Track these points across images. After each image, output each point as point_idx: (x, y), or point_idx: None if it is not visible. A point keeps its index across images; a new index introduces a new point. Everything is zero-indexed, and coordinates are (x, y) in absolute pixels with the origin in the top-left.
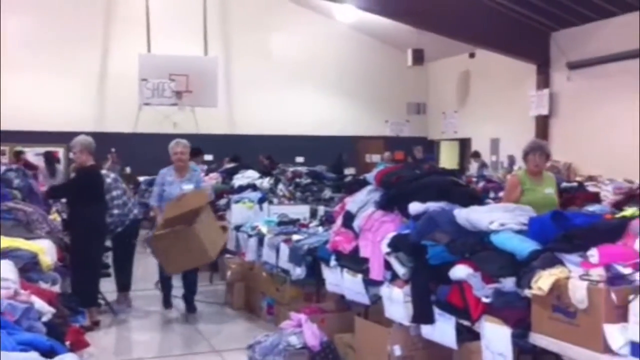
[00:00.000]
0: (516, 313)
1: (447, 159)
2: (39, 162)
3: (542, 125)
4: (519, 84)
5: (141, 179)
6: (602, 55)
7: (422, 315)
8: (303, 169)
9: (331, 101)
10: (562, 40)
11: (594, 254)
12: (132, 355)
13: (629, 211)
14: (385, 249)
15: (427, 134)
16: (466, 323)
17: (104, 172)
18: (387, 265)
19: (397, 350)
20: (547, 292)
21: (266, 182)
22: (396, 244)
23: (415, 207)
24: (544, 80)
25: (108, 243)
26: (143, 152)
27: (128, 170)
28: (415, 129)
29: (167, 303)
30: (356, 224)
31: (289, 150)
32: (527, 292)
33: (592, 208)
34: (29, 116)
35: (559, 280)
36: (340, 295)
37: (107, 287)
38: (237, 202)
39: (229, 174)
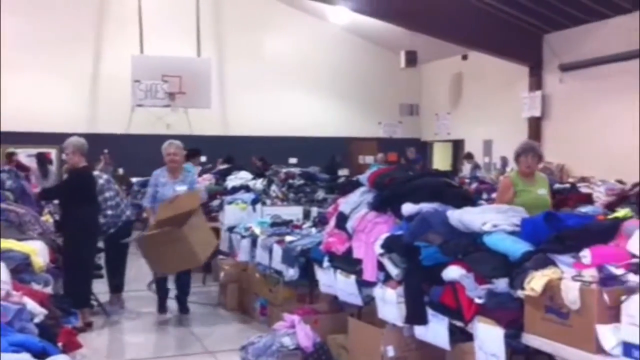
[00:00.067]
0: (509, 314)
1: (440, 160)
2: (32, 163)
3: (535, 126)
4: (511, 85)
5: (134, 180)
6: (595, 57)
7: (415, 316)
8: (296, 170)
9: (324, 102)
10: (554, 42)
11: (586, 254)
12: (125, 356)
13: (621, 212)
14: (378, 250)
15: (420, 136)
16: (459, 324)
17: (96, 173)
18: (381, 266)
19: (391, 351)
20: (540, 293)
21: (259, 183)
22: (389, 245)
23: (408, 208)
24: (536, 82)
25: (100, 244)
26: (136, 153)
27: (121, 171)
28: (409, 131)
29: (162, 308)
30: (349, 225)
31: (282, 152)
32: (519, 293)
33: (584, 209)
34: (21, 117)
35: (552, 281)
36: (333, 296)
37: (100, 288)
38: (230, 203)
39: (222, 175)
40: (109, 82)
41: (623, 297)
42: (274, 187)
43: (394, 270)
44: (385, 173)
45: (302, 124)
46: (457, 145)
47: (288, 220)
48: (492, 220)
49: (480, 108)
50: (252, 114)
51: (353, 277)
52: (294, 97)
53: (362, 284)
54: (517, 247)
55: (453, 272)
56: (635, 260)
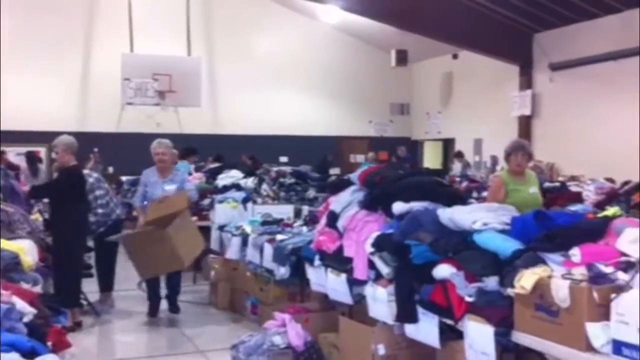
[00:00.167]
0: (499, 312)
1: (431, 159)
2: (21, 162)
3: (525, 125)
4: (501, 84)
5: (124, 178)
6: (585, 56)
7: (406, 314)
8: (287, 169)
9: (315, 101)
10: (544, 41)
11: (576, 253)
12: (115, 356)
13: (610, 211)
14: (369, 248)
15: (411, 134)
16: (449, 322)
17: (86, 172)
18: (371, 265)
19: (381, 350)
20: (530, 291)
21: (250, 182)
22: (380, 244)
23: (398, 207)
24: (526, 81)
25: (90, 243)
26: (126, 152)
27: (111, 170)
28: (399, 130)
29: (152, 311)
30: (340, 223)
31: (273, 150)
32: (510, 291)
33: (574, 208)
34: (10, 116)
35: (542, 279)
36: (324, 294)
37: (90, 287)
38: (221, 202)
39: (213, 174)
40: (99, 80)
41: (612, 295)
42: (264, 186)
43: (384, 269)
44: (376, 172)
45: (292, 123)
46: (448, 144)
47: (279, 218)
48: (483, 219)
49: (471, 107)
50: (243, 112)
51: (344, 276)
52: (285, 95)
53: (353, 283)
54: (507, 246)
55: (443, 271)
56: (625, 258)
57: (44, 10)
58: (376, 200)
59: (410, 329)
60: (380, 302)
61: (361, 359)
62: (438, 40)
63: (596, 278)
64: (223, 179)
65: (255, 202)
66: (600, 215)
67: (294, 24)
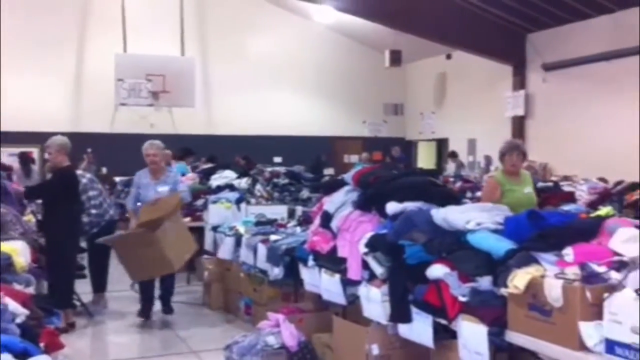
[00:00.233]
0: (493, 311)
1: (425, 159)
2: (14, 162)
3: (518, 125)
4: (495, 85)
5: (117, 179)
6: (578, 56)
7: (400, 314)
8: (281, 169)
9: (309, 101)
10: (537, 41)
11: (569, 252)
12: (108, 357)
13: (603, 210)
14: (362, 248)
15: (405, 135)
16: (443, 322)
17: (79, 172)
18: (365, 265)
19: (375, 350)
20: (523, 290)
21: (244, 183)
22: (374, 244)
23: (392, 207)
24: (519, 82)
25: (83, 244)
26: (119, 152)
27: (104, 170)
28: (393, 130)
29: (144, 312)
30: (334, 224)
31: (267, 151)
32: (503, 291)
33: (567, 207)
34: (3, 116)
35: (535, 279)
36: (318, 295)
37: (83, 288)
38: (214, 202)
39: (206, 174)
40: (92, 80)
41: (605, 295)
42: (258, 186)
43: (378, 269)
44: (370, 172)
45: (286, 123)
46: (442, 144)
47: (273, 219)
48: (476, 219)
49: (464, 107)
50: (237, 113)
51: (338, 276)
52: (279, 96)
53: (347, 283)
54: (500, 246)
55: (437, 271)
56: (617, 258)
57: (37, 10)
58: (370, 200)
59: (404, 329)
60: (374, 302)
61: (355, 359)
62: (432, 40)
63: (589, 277)
64: (217, 180)
65: (249, 202)
66: (593, 215)
67: (288, 24)
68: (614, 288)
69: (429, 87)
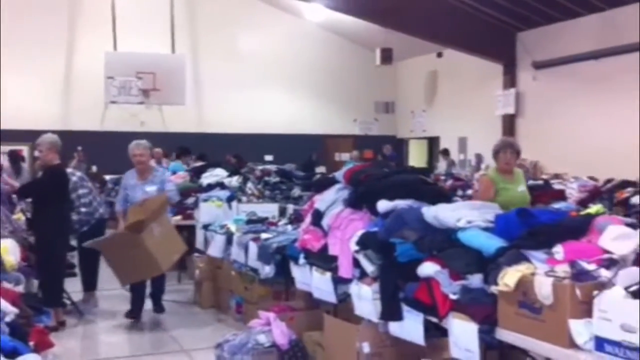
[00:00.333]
0: (483, 309)
1: (416, 157)
2: (4, 160)
3: (509, 124)
4: (485, 83)
5: (107, 177)
6: (568, 55)
7: (391, 312)
8: (272, 168)
9: (300, 100)
10: (528, 40)
11: (559, 250)
12: (99, 355)
13: (593, 208)
14: (353, 246)
15: (396, 133)
16: (434, 320)
17: (69, 170)
18: (356, 263)
19: (366, 348)
20: (513, 288)
21: (235, 181)
22: (365, 242)
23: (383, 205)
24: (510, 80)
25: (73, 242)
26: (110, 150)
27: (94, 168)
28: (384, 128)
29: (136, 313)
30: (325, 222)
31: (258, 149)
32: (493, 289)
33: (557, 205)
34: None
35: (525, 277)
36: (309, 293)
37: (73, 286)
38: (205, 200)
39: (197, 173)
40: (82, 78)
41: (595, 292)
42: (249, 185)
43: (369, 267)
44: (361, 170)
45: (277, 121)
46: (433, 142)
47: (264, 217)
48: (467, 217)
49: (455, 105)
50: (227, 111)
51: (329, 274)
52: (270, 94)
53: (338, 281)
54: (491, 243)
55: (428, 268)
56: (607, 255)
57: (27, 9)
58: (361, 198)
59: (394, 327)
60: (365, 300)
61: (346, 357)
62: (422, 38)
63: (579, 275)
64: (207, 178)
65: (240, 200)
66: (583, 212)
67: (279, 22)
68: (603, 286)
69: (419, 85)
